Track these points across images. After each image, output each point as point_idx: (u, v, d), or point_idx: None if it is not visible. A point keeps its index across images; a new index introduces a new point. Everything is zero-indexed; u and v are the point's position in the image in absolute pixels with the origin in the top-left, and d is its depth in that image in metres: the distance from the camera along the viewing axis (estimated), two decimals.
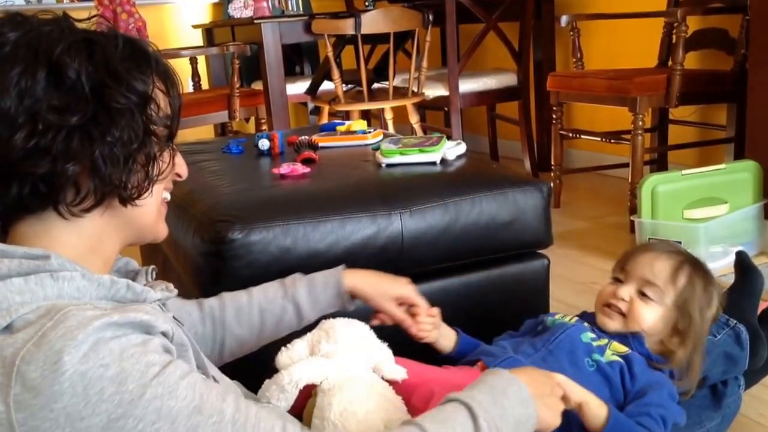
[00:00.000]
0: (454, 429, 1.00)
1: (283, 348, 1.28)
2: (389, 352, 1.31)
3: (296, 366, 1.21)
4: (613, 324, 1.45)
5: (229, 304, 1.36)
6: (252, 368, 1.31)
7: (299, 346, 1.28)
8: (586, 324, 1.48)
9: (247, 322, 1.35)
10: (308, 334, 1.30)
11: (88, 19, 0.99)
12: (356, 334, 1.30)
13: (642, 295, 1.44)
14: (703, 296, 1.45)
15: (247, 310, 1.36)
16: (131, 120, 0.93)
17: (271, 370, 1.26)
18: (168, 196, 1.09)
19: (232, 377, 1.25)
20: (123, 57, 0.94)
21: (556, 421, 1.11)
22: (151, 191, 1.00)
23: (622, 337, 1.44)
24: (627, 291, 1.45)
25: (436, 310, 1.45)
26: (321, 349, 1.25)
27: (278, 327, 1.37)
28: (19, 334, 0.84)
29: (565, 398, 1.17)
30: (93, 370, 0.82)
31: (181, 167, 1.08)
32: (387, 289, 1.42)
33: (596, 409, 1.22)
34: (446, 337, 1.49)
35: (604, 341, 1.42)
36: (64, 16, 0.96)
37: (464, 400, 1.04)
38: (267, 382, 1.22)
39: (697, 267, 1.48)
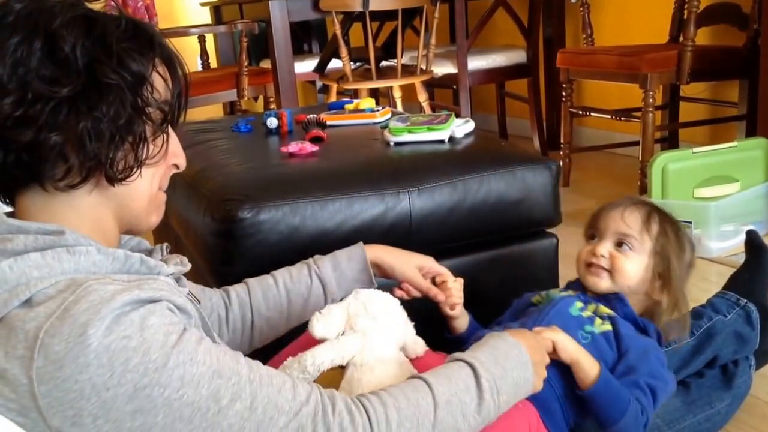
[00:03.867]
0: (458, 386, 1.04)
1: (317, 313, 1.23)
2: (412, 328, 1.31)
3: (321, 348, 1.20)
4: (603, 282, 1.43)
5: (255, 287, 1.37)
6: (272, 344, 1.34)
7: (336, 314, 1.23)
8: (572, 293, 1.48)
9: (275, 303, 1.36)
10: (344, 301, 1.26)
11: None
12: (392, 310, 1.28)
13: (619, 247, 1.43)
14: (676, 241, 1.44)
15: (275, 291, 1.37)
16: (121, 97, 0.93)
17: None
18: (163, 189, 1.08)
19: (250, 355, 1.26)
20: (123, 36, 0.94)
21: (540, 386, 1.16)
22: (140, 173, 0.99)
23: (606, 301, 1.44)
24: (605, 247, 1.43)
25: (461, 280, 1.45)
26: (358, 324, 1.23)
27: (306, 306, 1.38)
28: (40, 308, 0.86)
29: (557, 353, 1.25)
30: (117, 342, 0.84)
31: (179, 157, 1.08)
32: (410, 258, 1.43)
33: (588, 369, 1.25)
34: (463, 317, 1.49)
35: (592, 307, 1.42)
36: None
37: (468, 360, 1.08)
38: (290, 360, 1.22)
39: (665, 215, 1.47)
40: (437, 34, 3.55)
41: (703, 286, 2.30)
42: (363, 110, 2.30)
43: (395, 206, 1.64)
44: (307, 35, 5.13)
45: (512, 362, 1.10)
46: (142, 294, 0.88)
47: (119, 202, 1.01)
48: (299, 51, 4.87)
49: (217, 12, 4.79)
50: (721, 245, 2.54)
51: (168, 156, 1.04)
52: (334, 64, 3.74)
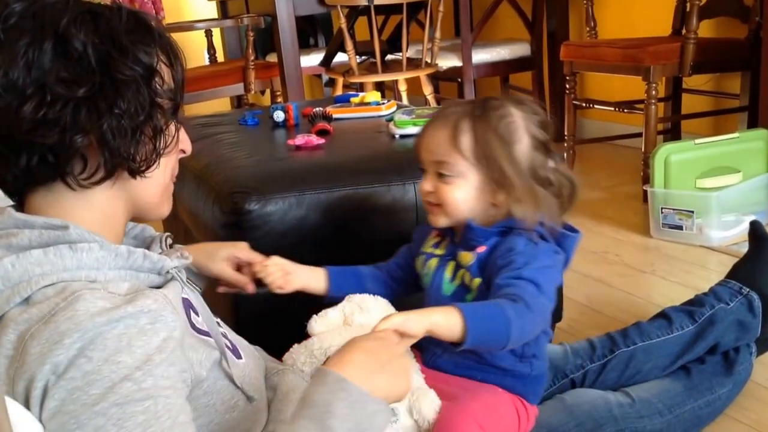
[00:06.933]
0: None
1: (315, 316, 1.31)
2: None
3: (328, 334, 1.24)
4: (440, 219, 1.29)
5: None
6: (276, 333, 1.35)
7: (332, 315, 1.30)
8: (438, 252, 1.35)
9: None
10: (339, 305, 1.33)
11: None
12: (385, 308, 1.34)
13: (441, 176, 1.27)
14: (497, 139, 1.23)
15: None
16: (137, 92, 0.94)
17: (300, 336, 1.30)
18: (174, 176, 1.10)
19: (255, 342, 1.29)
20: (128, 29, 0.95)
21: (407, 383, 1.04)
22: (158, 164, 1.01)
23: (464, 243, 1.29)
24: (428, 182, 1.29)
25: (275, 259, 1.38)
26: (355, 320, 1.28)
27: None
28: (34, 309, 0.87)
29: (408, 336, 1.05)
30: (78, 359, 0.83)
31: (185, 142, 1.09)
32: (217, 252, 1.37)
33: (447, 322, 1.07)
34: (315, 279, 1.41)
35: (461, 273, 1.28)
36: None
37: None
38: (296, 346, 1.25)
39: (477, 112, 1.26)
40: (442, 27, 3.56)
41: (704, 274, 2.33)
42: (368, 103, 2.32)
43: (401, 197, 1.66)
44: (313, 29, 5.14)
45: (340, 416, 0.92)
46: (130, 308, 0.87)
47: (135, 195, 1.02)
48: (305, 45, 4.88)
49: (223, 6, 4.80)
50: (723, 235, 2.56)
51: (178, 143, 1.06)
52: (340, 57, 3.76)
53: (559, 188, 1.27)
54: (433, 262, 1.35)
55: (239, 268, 1.39)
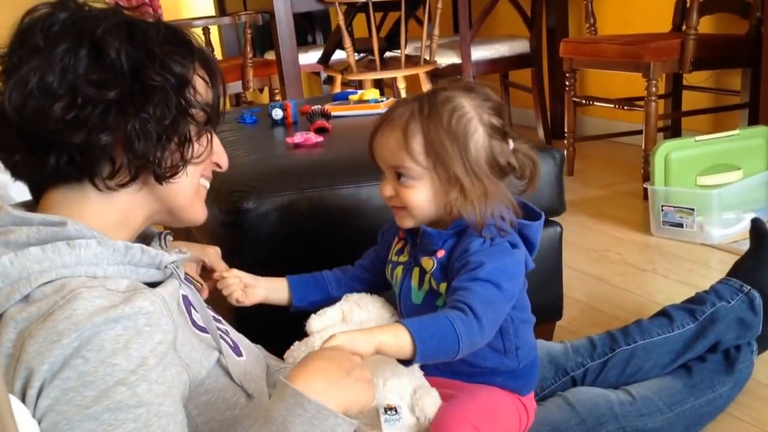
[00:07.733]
0: None
1: (313, 315, 1.31)
2: None
3: (328, 331, 1.24)
4: (406, 221, 1.27)
5: None
6: (277, 331, 1.34)
7: (331, 313, 1.30)
8: (402, 260, 1.34)
9: None
10: (337, 304, 1.33)
11: (135, 7, 1.04)
12: (383, 306, 1.34)
13: (399, 178, 1.24)
14: (448, 134, 1.19)
15: None
16: (165, 98, 0.96)
17: (301, 334, 1.30)
18: (206, 184, 1.12)
19: (256, 340, 1.29)
20: (163, 41, 0.98)
21: (370, 392, 1.00)
22: (186, 172, 1.03)
23: (422, 247, 1.28)
24: (387, 186, 1.27)
25: (235, 270, 1.36)
26: (354, 317, 1.28)
27: None
28: (33, 308, 0.88)
29: (359, 355, 1.01)
30: (74, 359, 0.84)
31: (221, 157, 1.12)
32: (191, 250, 1.31)
33: (396, 341, 1.04)
34: (276, 290, 1.39)
35: (426, 277, 1.26)
36: (114, 4, 1.01)
37: None
38: (297, 344, 1.25)
39: (425, 110, 1.22)
40: (440, 24, 3.55)
41: (705, 272, 2.33)
42: (367, 101, 2.32)
43: None
44: (311, 26, 5.13)
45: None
46: (127, 309, 0.88)
47: (160, 197, 1.04)
48: (303, 42, 4.87)
49: (220, 3, 4.79)
50: (723, 232, 2.55)
51: (211, 155, 1.08)
52: (339, 55, 3.76)
53: (522, 170, 1.26)
54: (399, 271, 1.33)
55: (204, 269, 1.38)
